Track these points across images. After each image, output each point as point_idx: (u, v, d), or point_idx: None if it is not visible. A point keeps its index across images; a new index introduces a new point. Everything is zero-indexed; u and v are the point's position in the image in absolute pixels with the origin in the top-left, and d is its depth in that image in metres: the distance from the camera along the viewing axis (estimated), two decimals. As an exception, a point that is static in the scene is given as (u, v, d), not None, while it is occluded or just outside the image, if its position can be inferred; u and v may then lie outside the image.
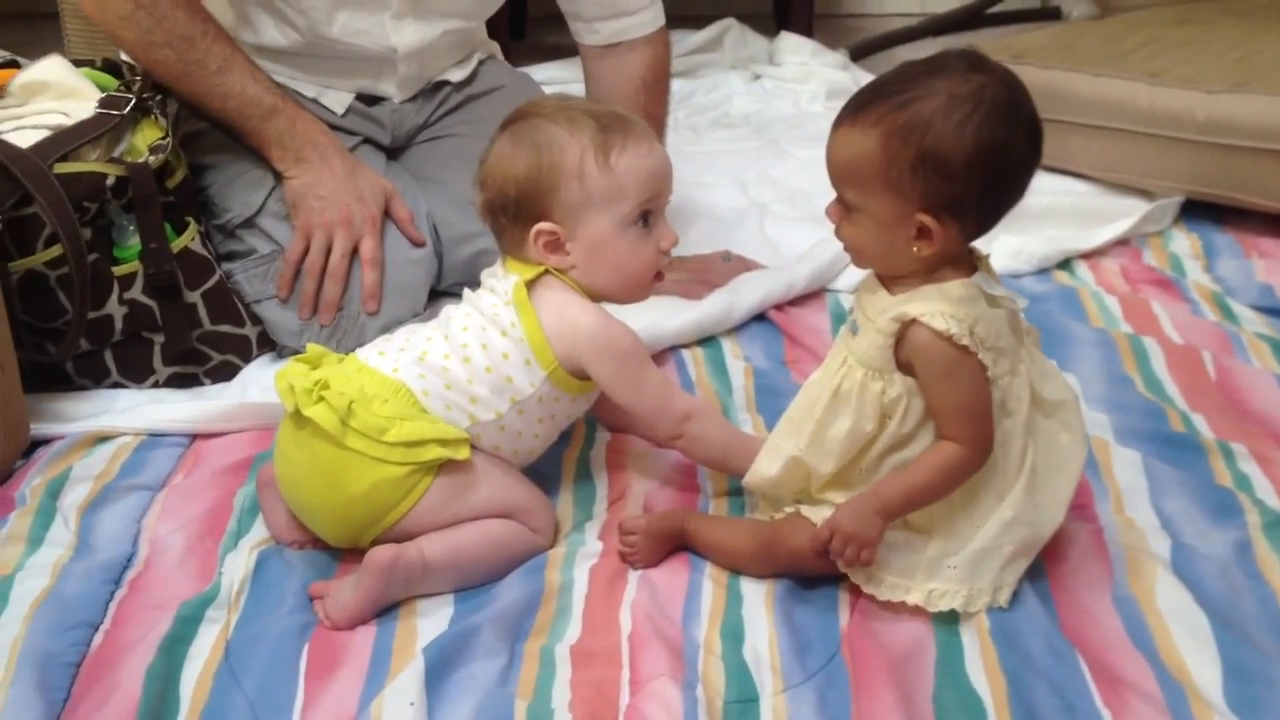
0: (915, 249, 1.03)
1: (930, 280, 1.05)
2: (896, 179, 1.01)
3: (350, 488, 1.13)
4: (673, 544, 1.18)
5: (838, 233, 1.08)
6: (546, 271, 1.19)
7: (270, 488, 1.23)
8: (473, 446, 1.16)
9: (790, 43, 2.74)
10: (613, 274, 1.20)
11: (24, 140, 1.40)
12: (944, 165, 0.99)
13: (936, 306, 1.02)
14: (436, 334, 1.20)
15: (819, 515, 1.10)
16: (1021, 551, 1.09)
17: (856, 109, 1.03)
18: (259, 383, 1.49)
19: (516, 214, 1.18)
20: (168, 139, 1.48)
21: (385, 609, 1.12)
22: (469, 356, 1.17)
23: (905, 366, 1.05)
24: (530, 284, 1.18)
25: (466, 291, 1.24)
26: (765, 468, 1.14)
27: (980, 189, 1.01)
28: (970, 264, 1.07)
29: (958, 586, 1.07)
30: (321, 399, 1.13)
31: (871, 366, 1.06)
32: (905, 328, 1.03)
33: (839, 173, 1.05)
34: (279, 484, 1.20)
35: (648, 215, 1.19)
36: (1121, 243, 1.87)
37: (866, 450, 1.09)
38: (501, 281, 1.20)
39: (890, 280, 1.07)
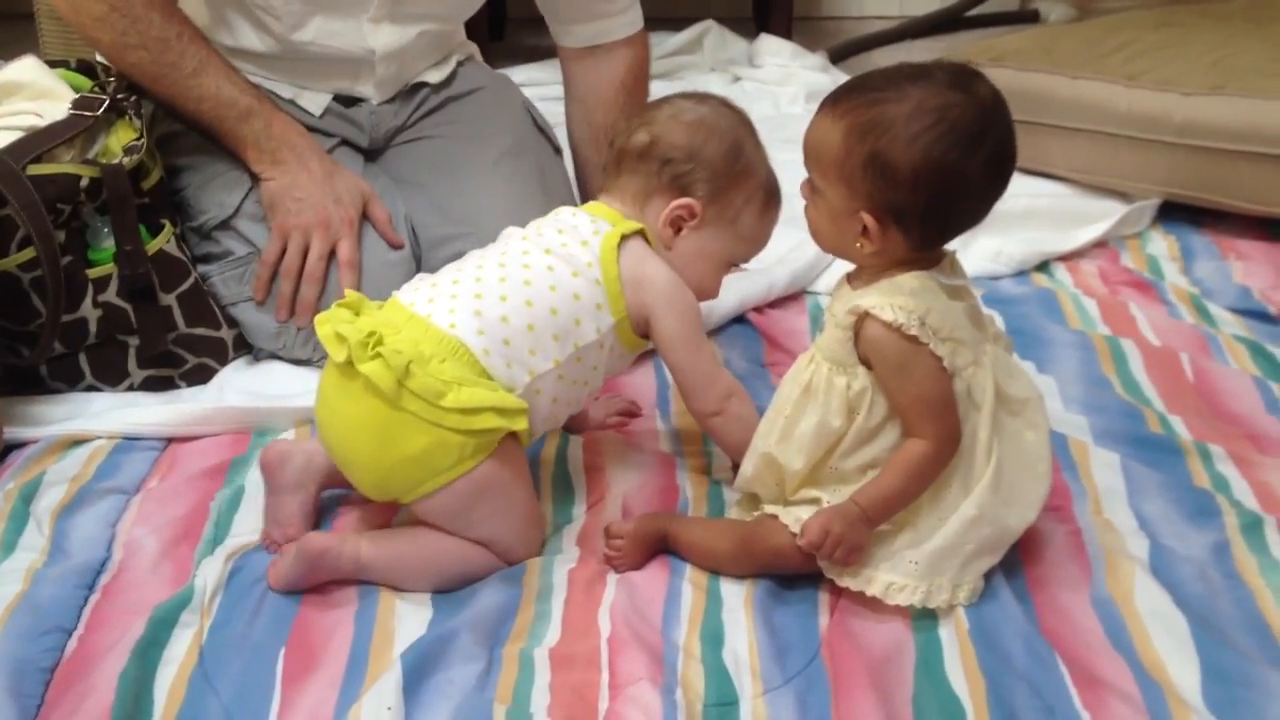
0: (859, 244, 1.06)
1: (886, 276, 1.07)
2: (849, 173, 1.03)
3: (403, 447, 1.10)
4: (656, 546, 1.18)
5: (805, 210, 1.11)
6: (641, 232, 1.21)
7: (275, 473, 1.20)
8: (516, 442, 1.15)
9: (770, 45, 2.74)
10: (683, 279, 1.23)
11: (-3, 141, 1.39)
12: (889, 171, 1.02)
13: (887, 299, 1.04)
14: (490, 273, 1.17)
15: (790, 516, 1.10)
16: (984, 550, 1.09)
17: (837, 98, 1.06)
18: (235, 386, 1.48)
19: (676, 175, 1.21)
20: (142, 140, 1.46)
21: (364, 610, 1.11)
22: (531, 299, 1.15)
23: (866, 360, 1.07)
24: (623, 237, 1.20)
25: (527, 231, 1.23)
26: (744, 468, 1.15)
27: (924, 203, 1.03)
28: (934, 264, 1.08)
29: (916, 582, 1.08)
30: (378, 355, 1.09)
31: (835, 360, 1.08)
32: (860, 321, 1.05)
33: (808, 153, 1.08)
34: (320, 433, 1.17)
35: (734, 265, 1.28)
36: (1099, 245, 1.87)
37: (835, 447, 1.09)
38: (585, 222, 1.21)
39: (854, 276, 1.10)
